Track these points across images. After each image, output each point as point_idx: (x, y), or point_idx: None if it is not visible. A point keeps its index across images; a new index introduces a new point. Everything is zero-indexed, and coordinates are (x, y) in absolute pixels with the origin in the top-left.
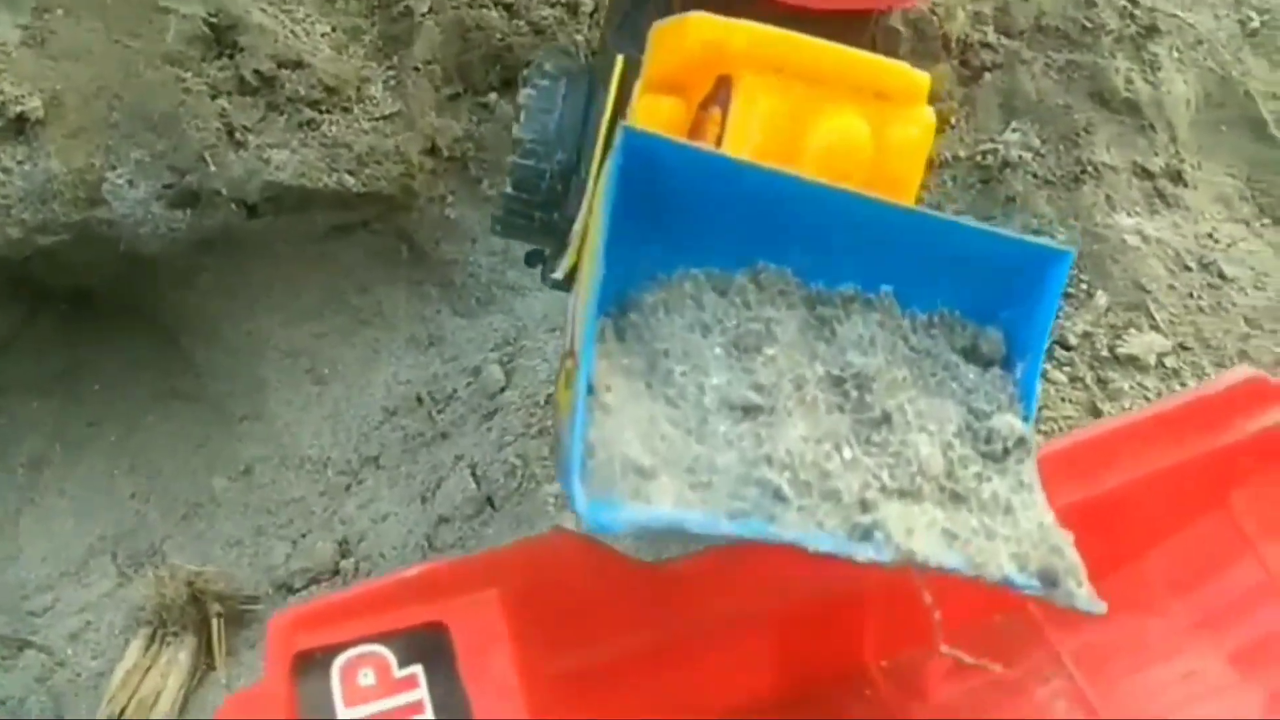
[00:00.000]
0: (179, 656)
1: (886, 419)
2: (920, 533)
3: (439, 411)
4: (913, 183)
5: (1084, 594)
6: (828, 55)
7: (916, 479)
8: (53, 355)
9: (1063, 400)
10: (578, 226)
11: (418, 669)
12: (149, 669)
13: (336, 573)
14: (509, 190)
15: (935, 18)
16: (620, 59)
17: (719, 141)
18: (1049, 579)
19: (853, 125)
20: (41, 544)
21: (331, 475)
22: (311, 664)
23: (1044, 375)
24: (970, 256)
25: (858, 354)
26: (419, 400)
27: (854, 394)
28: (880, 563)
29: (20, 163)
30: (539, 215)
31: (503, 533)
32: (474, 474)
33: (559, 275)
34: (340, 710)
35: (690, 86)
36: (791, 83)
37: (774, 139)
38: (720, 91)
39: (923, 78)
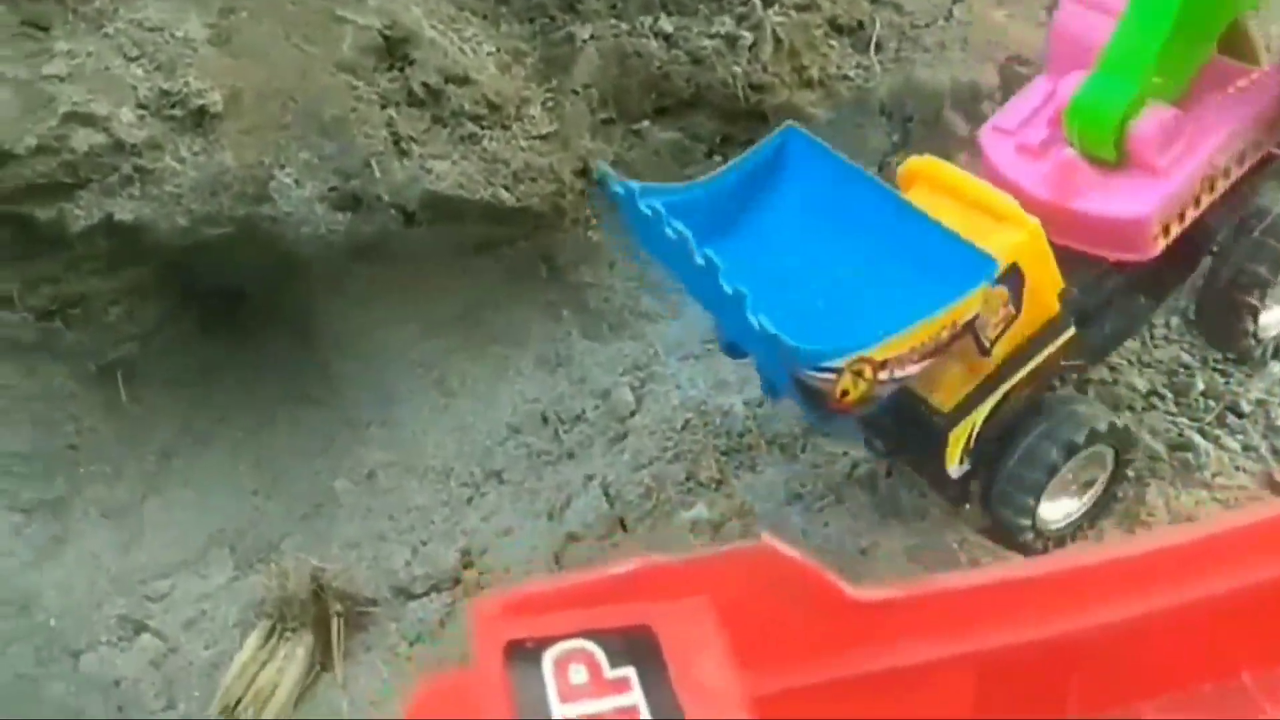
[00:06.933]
0: (296, 652)
1: None
2: None
3: (565, 431)
4: None
5: None
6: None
7: None
8: (192, 350)
9: (1236, 469)
10: None
11: (630, 672)
12: (266, 663)
13: (458, 582)
14: None
15: None
16: None
17: None
18: None
19: None
20: (164, 532)
21: (454, 486)
22: (523, 654)
23: (1216, 442)
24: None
25: None
26: (544, 419)
27: None
28: None
29: (196, 154)
30: None
31: (633, 555)
32: (606, 493)
33: None
34: (555, 707)
35: None
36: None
37: None
38: None
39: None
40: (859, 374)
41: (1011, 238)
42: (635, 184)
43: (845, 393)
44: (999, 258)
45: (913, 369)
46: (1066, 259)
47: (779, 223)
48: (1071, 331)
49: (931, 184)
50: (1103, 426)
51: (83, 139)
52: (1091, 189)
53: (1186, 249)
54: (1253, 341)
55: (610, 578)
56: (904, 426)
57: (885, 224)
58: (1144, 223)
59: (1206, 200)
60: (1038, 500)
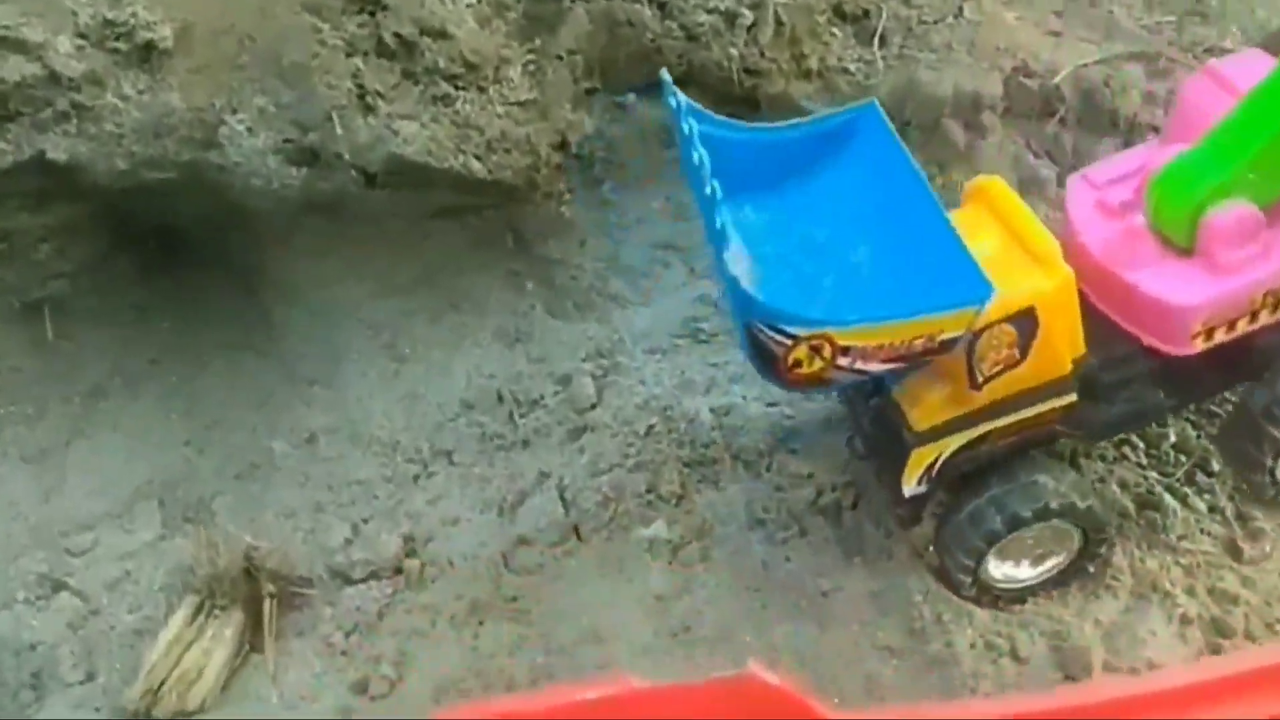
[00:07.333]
0: (225, 633)
1: None
2: None
3: (522, 415)
4: None
5: None
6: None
7: None
8: (126, 291)
9: (1202, 532)
10: None
11: None
12: (193, 642)
13: (399, 571)
14: None
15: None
16: None
17: None
18: None
19: None
20: (88, 479)
21: (400, 461)
22: None
23: (1184, 501)
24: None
25: None
26: (500, 398)
27: None
28: None
29: (141, 92)
30: None
31: (587, 568)
32: (562, 497)
33: None
34: None
35: None
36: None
37: None
38: None
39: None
40: (818, 350)
41: (1039, 282)
42: (689, 102)
43: (798, 363)
44: (1019, 298)
45: (875, 366)
46: (1100, 327)
47: (824, 193)
48: (1072, 399)
49: (989, 205)
50: (1056, 505)
51: (13, 68)
52: (1147, 264)
53: (1227, 363)
54: (1268, 480)
55: (584, 703)
56: (880, 433)
57: (916, 226)
58: (1186, 314)
59: (1266, 318)
60: (977, 562)
